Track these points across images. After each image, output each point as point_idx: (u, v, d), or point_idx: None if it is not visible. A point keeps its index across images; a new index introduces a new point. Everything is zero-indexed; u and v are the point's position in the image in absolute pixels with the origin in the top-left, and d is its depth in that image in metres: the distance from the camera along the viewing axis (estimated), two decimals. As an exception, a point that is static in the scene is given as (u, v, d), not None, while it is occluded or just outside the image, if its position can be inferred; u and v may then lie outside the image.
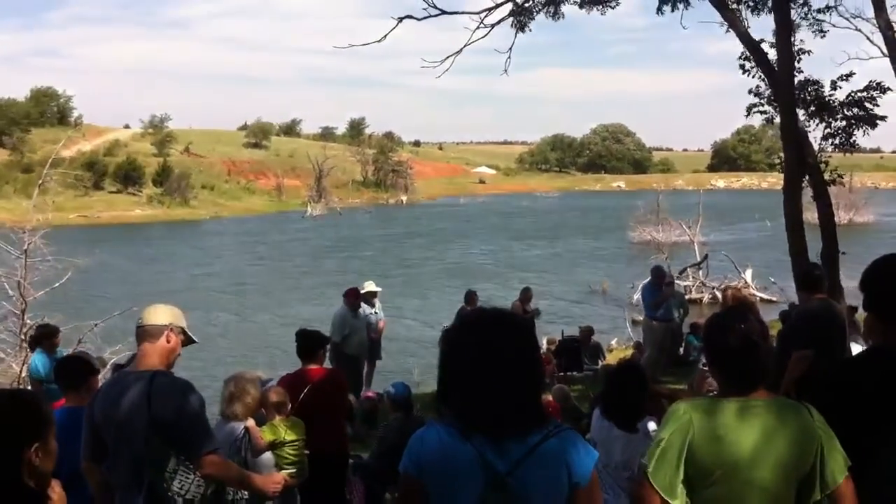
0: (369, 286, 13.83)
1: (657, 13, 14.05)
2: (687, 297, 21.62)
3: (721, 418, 2.85)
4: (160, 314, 3.99)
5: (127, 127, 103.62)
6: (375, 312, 13.83)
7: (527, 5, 14.14)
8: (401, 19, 13.38)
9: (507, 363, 2.45)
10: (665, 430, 2.88)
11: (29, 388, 9.31)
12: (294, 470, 5.51)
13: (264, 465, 5.24)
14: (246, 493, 4.84)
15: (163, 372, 3.90)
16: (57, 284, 13.47)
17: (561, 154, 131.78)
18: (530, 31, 14.38)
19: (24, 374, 11.31)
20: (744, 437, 2.80)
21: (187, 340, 4.11)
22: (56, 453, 2.55)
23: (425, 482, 2.49)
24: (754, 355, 2.89)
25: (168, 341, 3.95)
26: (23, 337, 12.36)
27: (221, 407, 5.42)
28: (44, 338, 9.64)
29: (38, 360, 9.42)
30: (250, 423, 5.32)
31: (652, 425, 4.92)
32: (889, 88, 12.38)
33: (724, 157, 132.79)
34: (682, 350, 15.81)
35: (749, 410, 2.85)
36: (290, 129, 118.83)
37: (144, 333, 3.95)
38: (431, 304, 27.01)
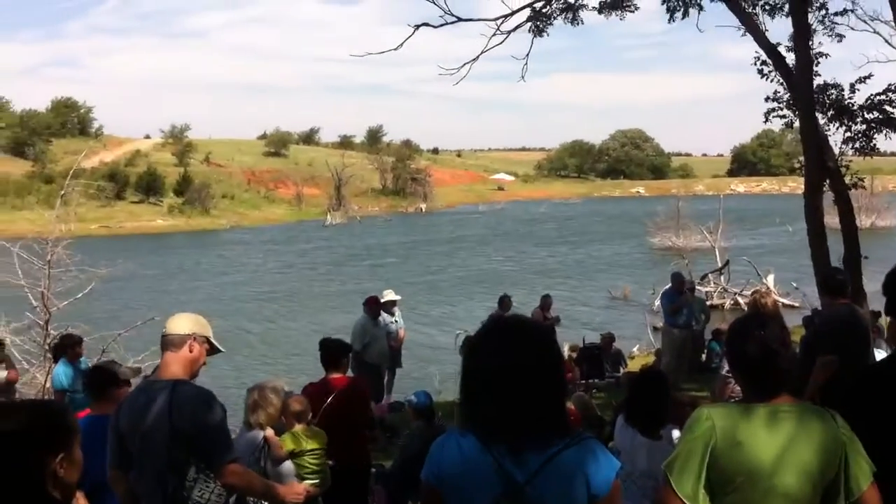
0: (389, 295, 13.84)
1: (668, 21, 14.01)
2: (708, 303, 21.51)
3: (743, 424, 2.83)
4: (183, 323, 4.01)
5: (147, 137, 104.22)
6: (395, 321, 13.84)
7: (545, 11, 14.12)
8: (417, 27, 13.40)
9: (528, 372, 2.43)
10: (688, 437, 2.88)
11: (53, 398, 9.38)
12: (316, 479, 5.51)
13: (285, 475, 5.25)
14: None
15: (184, 381, 3.92)
16: (80, 295, 13.59)
17: (580, 160, 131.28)
18: (547, 35, 14.38)
19: (48, 385, 11.39)
20: (767, 444, 2.79)
21: (212, 350, 4.13)
22: (81, 464, 2.56)
23: (443, 490, 2.49)
24: (774, 362, 2.87)
25: (191, 350, 3.97)
26: (47, 347, 12.46)
27: (245, 415, 5.44)
28: (67, 347, 9.71)
29: (60, 369, 9.49)
30: (269, 432, 5.33)
31: (676, 433, 4.90)
32: (908, 91, 12.29)
33: (744, 162, 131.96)
34: (704, 357, 15.73)
35: (772, 416, 2.83)
36: (309, 138, 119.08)
37: (168, 342, 3.97)
38: (453, 312, 27.03)
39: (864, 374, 3.54)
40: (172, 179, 72.59)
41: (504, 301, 14.38)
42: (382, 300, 13.44)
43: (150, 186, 70.49)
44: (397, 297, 14.06)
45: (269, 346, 22.90)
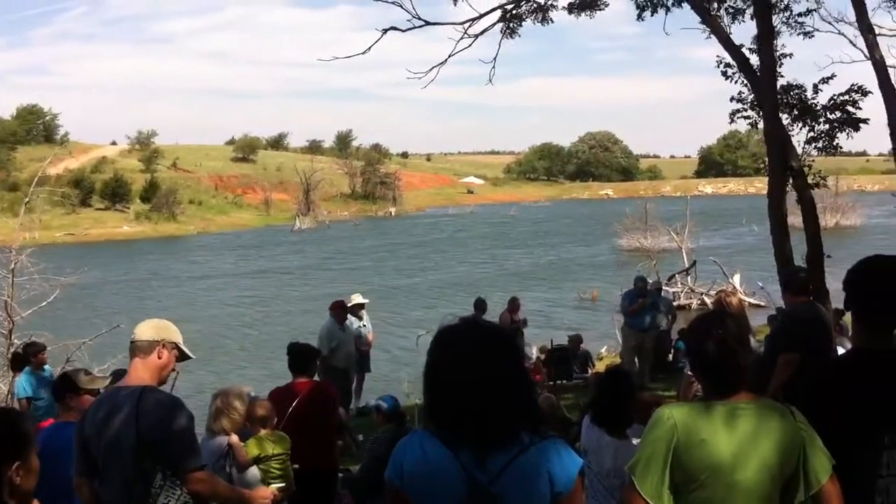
0: (356, 298, 13.82)
1: (637, 19, 14.14)
2: (675, 303, 21.68)
3: (704, 422, 2.85)
4: (151, 329, 3.98)
5: (114, 143, 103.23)
6: (364, 325, 13.82)
7: (515, 12, 14.16)
8: (385, 31, 13.39)
9: (489, 375, 2.43)
10: (650, 437, 2.89)
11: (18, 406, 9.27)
12: (281, 484, 5.50)
13: (251, 481, 5.23)
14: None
15: (151, 388, 3.89)
16: (45, 303, 13.41)
17: (549, 163, 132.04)
18: (519, 36, 14.42)
19: (12, 393, 11.26)
20: (727, 440, 2.81)
21: (182, 356, 4.10)
22: (38, 472, 2.53)
23: (406, 490, 2.49)
24: (732, 360, 2.90)
25: (160, 357, 3.95)
26: (10, 356, 12.30)
27: (208, 422, 5.41)
28: (30, 356, 9.61)
29: (24, 378, 9.40)
30: (234, 438, 5.30)
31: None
32: (870, 91, 12.43)
33: (711, 163, 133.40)
34: (671, 356, 15.85)
35: (732, 414, 2.86)
36: (278, 143, 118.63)
37: (136, 349, 3.95)
38: (424, 315, 27.00)
39: (825, 369, 3.57)
40: (139, 186, 72.20)
41: (479, 304, 14.42)
42: (350, 304, 13.42)
43: (116, 193, 70.00)
44: (365, 301, 14.04)
45: (242, 352, 22.82)
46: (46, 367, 9.81)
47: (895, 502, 2.97)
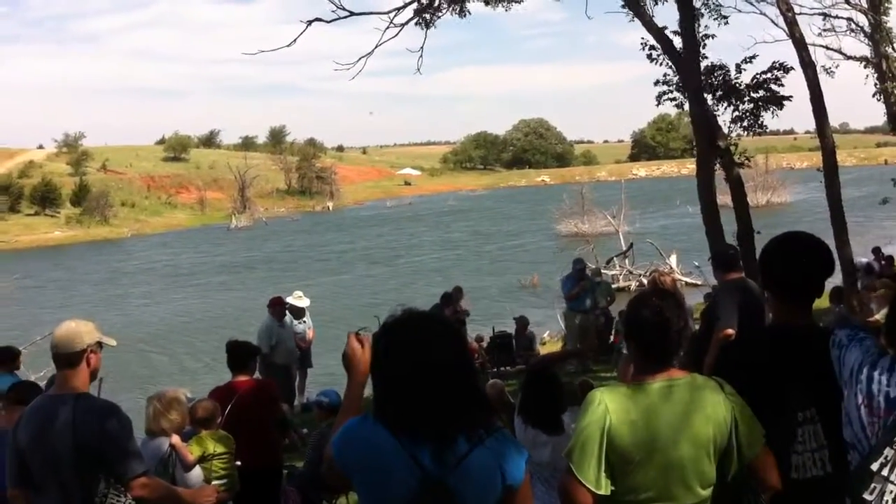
0: (298, 301, 13.62)
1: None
2: (614, 285, 21.97)
3: (635, 402, 2.88)
4: (76, 338, 3.85)
5: (41, 147, 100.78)
6: (304, 321, 13.70)
7: (434, 4, 14.17)
8: (310, 22, 13.31)
9: (433, 364, 2.42)
10: (582, 422, 2.89)
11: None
12: (224, 481, 5.47)
13: (194, 481, 5.18)
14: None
15: (86, 395, 3.84)
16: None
17: (485, 151, 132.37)
18: (434, 28, 14.43)
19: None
20: (660, 419, 2.84)
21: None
22: None
23: (350, 474, 2.48)
24: (667, 329, 2.91)
25: (89, 364, 3.87)
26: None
27: (147, 424, 5.34)
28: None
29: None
30: (175, 439, 5.25)
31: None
32: (791, 68, 12.74)
33: (644, 147, 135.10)
34: (612, 338, 16.04)
35: (663, 391, 2.88)
36: (210, 141, 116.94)
37: (64, 360, 3.85)
38: (365, 309, 26.91)
39: (740, 346, 3.64)
40: (69, 189, 70.58)
41: (452, 294, 14.50)
42: (290, 301, 13.29)
43: (45, 198, 68.36)
44: (306, 303, 13.89)
45: (179, 352, 22.54)
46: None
47: (810, 477, 3.03)
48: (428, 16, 14.15)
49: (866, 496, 2.62)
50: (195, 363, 20.39)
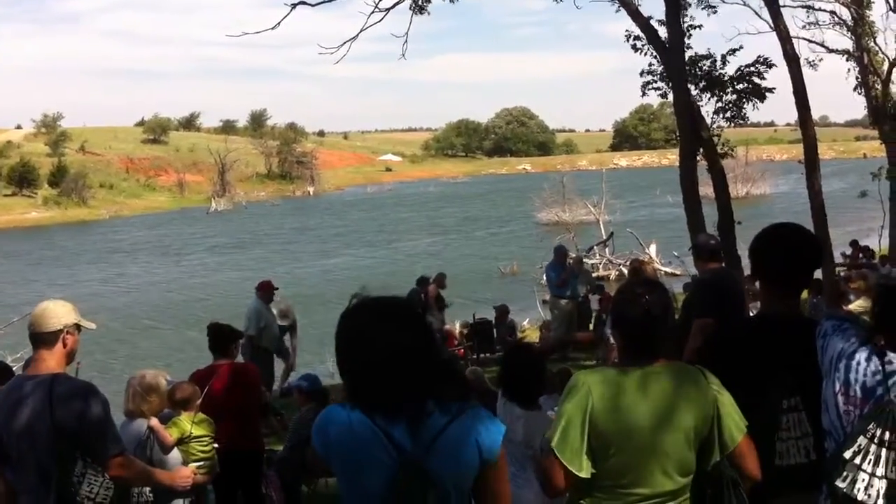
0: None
1: None
2: (595, 274, 22.06)
3: (619, 387, 2.89)
4: (52, 318, 3.82)
5: (19, 127, 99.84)
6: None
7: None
8: (294, 6, 13.24)
9: (395, 345, 2.43)
10: (566, 404, 2.91)
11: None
12: (203, 464, 5.45)
13: (172, 463, 5.16)
14: (150, 492, 4.80)
15: (63, 376, 3.80)
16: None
17: (466, 139, 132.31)
18: (428, 14, 14.37)
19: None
20: (642, 405, 2.85)
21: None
22: None
23: (331, 460, 2.50)
24: (653, 327, 2.92)
25: (65, 345, 3.84)
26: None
27: (125, 406, 5.31)
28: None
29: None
30: (154, 421, 5.23)
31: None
32: (774, 64, 12.80)
33: (625, 137, 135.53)
34: (591, 326, 16.10)
35: (646, 378, 2.90)
36: (190, 124, 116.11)
37: (40, 340, 3.82)
38: (346, 294, 26.84)
39: (727, 335, 3.65)
40: (46, 170, 69.92)
41: (436, 278, 14.48)
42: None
43: (22, 178, 67.77)
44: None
45: (161, 334, 22.50)
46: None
47: (794, 464, 3.06)
48: (420, 1, 14.07)
49: (839, 483, 2.66)
50: (173, 346, 20.30)
